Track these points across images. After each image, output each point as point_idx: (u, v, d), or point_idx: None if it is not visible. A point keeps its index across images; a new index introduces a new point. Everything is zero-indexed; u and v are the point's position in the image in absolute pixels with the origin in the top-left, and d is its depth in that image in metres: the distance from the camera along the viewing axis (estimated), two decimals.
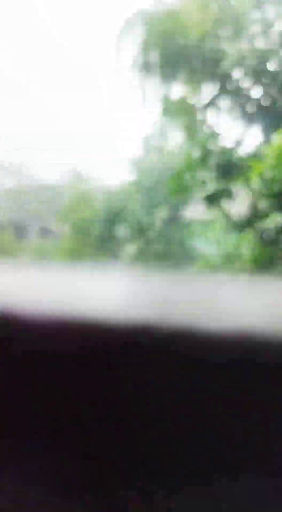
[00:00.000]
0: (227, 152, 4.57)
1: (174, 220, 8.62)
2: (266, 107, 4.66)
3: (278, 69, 4.57)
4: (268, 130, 4.96)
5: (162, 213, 8.77)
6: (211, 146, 4.50)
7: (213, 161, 4.48)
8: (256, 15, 4.63)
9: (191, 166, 4.78)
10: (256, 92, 4.69)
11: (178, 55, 4.46)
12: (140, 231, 7.92)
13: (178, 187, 5.10)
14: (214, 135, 4.55)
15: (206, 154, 4.51)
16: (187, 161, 4.72)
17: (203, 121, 5.14)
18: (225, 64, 4.34)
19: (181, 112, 4.96)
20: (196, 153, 4.64)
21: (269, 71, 4.56)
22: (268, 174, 3.80)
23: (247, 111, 4.83)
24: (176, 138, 9.64)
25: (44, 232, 15.17)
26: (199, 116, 5.14)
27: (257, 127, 5.01)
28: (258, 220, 4.69)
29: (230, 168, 4.75)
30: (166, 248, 8.81)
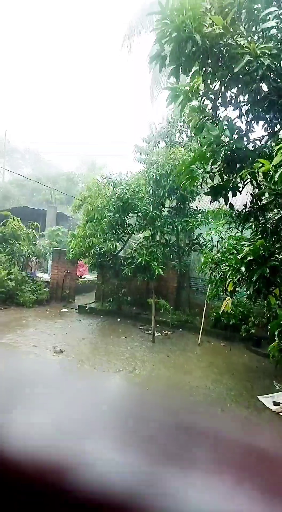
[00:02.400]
0: (234, 145, 4.65)
1: (181, 210, 8.69)
2: (276, 102, 4.71)
3: None
4: (276, 125, 5.01)
5: (169, 204, 8.91)
6: (219, 139, 4.58)
7: (221, 153, 4.55)
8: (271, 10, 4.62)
9: (198, 157, 4.87)
10: (266, 87, 4.73)
11: (192, 48, 4.52)
12: (149, 220, 8.03)
13: (186, 178, 5.19)
14: (223, 128, 4.62)
15: (214, 146, 4.60)
16: (195, 152, 4.81)
17: (213, 114, 5.22)
18: (238, 58, 4.40)
19: (191, 102, 5.03)
20: (204, 145, 4.73)
21: (280, 67, 4.59)
22: (273, 171, 3.81)
23: (256, 105, 4.89)
24: (185, 130, 9.68)
25: (60, 218, 15.46)
26: (209, 108, 5.22)
27: (265, 121, 5.06)
28: (261, 213, 4.78)
29: (236, 161, 4.84)
30: (172, 237, 9.00)
